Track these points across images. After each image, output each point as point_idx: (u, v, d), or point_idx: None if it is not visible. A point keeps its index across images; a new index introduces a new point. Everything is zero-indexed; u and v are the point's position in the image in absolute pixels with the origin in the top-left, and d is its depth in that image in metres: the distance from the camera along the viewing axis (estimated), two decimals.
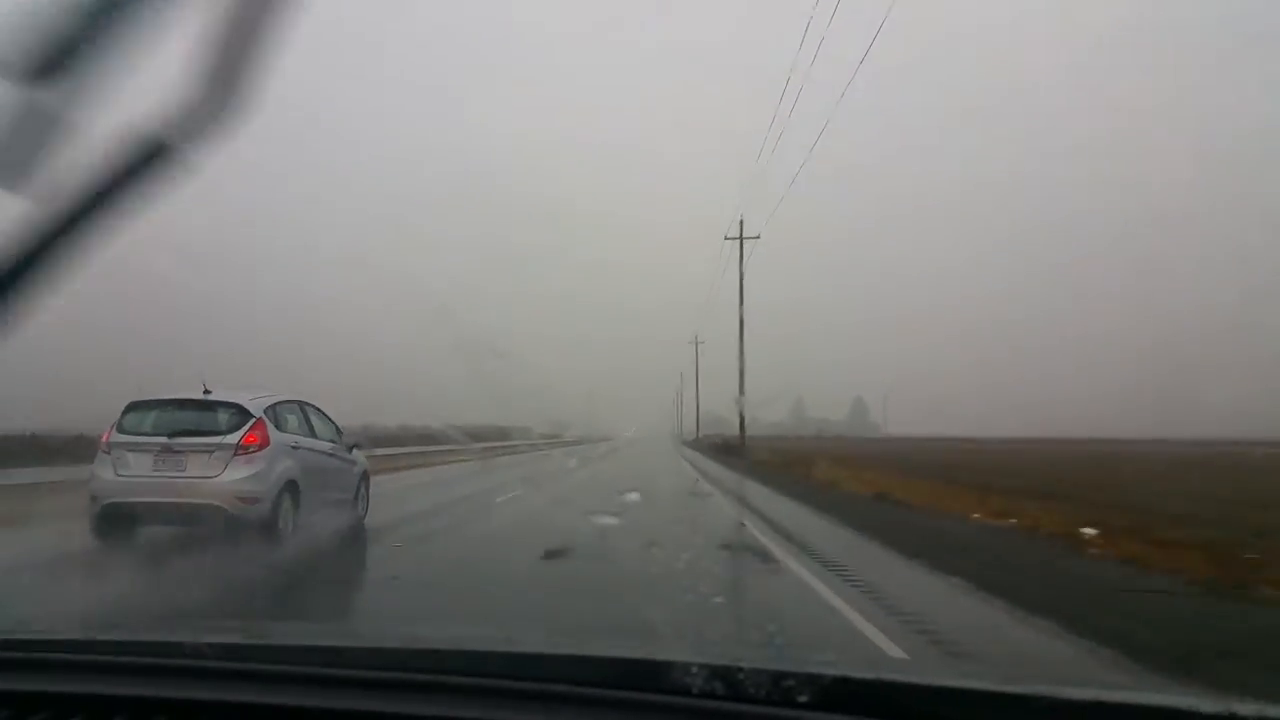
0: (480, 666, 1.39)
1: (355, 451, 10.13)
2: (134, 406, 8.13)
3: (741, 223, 33.01)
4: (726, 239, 33.53)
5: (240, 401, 8.17)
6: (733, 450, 34.94)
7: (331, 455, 9.39)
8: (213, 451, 7.77)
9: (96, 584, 6.39)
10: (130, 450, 7.83)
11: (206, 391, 8.15)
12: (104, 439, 8.04)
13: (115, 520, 7.76)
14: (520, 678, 1.34)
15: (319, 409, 9.57)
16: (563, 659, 1.50)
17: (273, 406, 8.43)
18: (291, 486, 8.23)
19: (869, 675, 1.37)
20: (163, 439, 7.82)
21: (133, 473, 7.71)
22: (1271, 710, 1.16)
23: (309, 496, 8.52)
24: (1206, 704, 1.19)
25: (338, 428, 9.88)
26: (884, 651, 4.68)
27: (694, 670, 1.26)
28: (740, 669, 1.26)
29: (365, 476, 10.28)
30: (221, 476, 7.67)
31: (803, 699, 1.21)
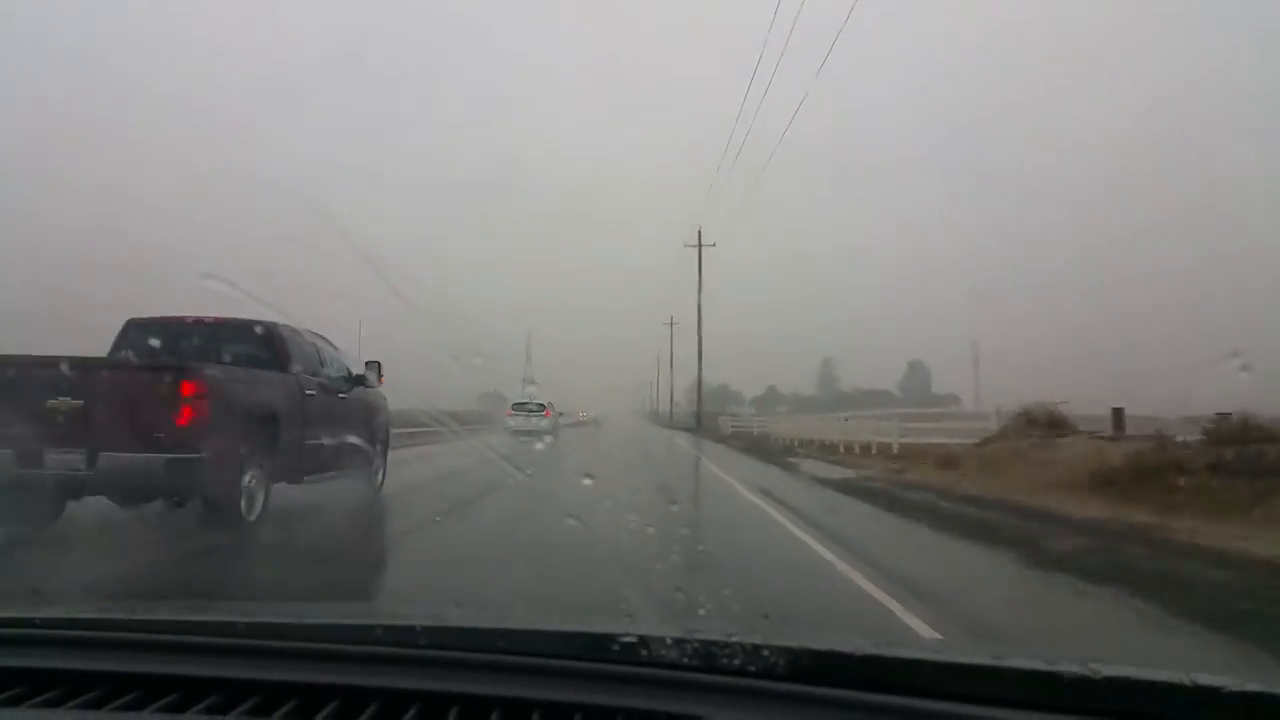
0: (464, 641, 1.44)
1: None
2: (516, 404, 32.90)
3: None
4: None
5: (544, 402, 33.39)
6: None
7: (557, 417, 32.61)
8: (541, 415, 33.13)
9: (513, 442, 31.27)
10: (516, 415, 32.76)
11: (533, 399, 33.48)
12: (507, 414, 32.66)
13: (515, 434, 31.59)
14: (504, 652, 1.38)
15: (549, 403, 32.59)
16: (546, 634, 1.54)
17: (549, 403, 33.32)
18: (554, 425, 33.14)
19: (846, 648, 1.38)
20: (525, 413, 32.88)
21: (518, 422, 32.57)
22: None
23: (555, 431, 32.86)
24: (1206, 679, 1.22)
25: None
26: None
27: (672, 643, 1.32)
28: (721, 643, 1.32)
29: (558, 429, 31.50)
30: (543, 423, 33.13)
31: (780, 671, 1.27)
